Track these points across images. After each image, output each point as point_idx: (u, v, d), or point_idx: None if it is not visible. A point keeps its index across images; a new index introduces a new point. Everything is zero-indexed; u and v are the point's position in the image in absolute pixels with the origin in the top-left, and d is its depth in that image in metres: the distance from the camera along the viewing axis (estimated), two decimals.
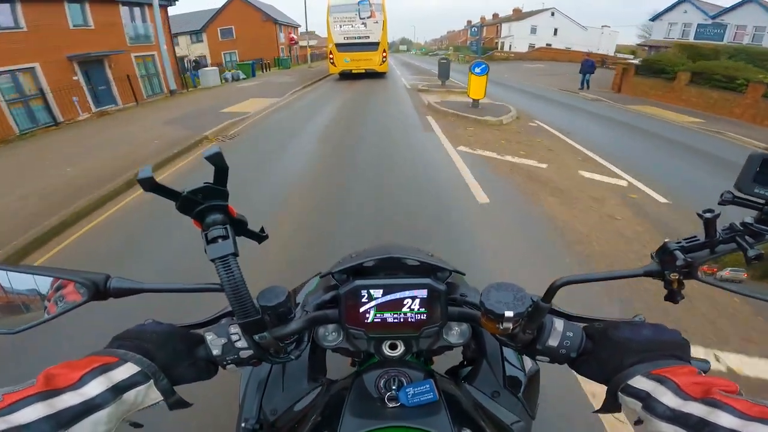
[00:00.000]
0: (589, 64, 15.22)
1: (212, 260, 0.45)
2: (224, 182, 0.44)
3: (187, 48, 34.00)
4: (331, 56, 17.31)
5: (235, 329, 0.52)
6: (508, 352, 0.76)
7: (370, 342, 0.63)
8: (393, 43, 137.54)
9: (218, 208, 0.46)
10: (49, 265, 0.51)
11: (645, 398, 0.41)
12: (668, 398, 0.39)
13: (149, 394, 0.45)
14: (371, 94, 12.42)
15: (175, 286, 0.53)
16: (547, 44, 43.33)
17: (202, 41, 37.85)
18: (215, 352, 0.52)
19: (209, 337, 0.52)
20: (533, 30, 46.34)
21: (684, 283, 0.49)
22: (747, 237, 0.44)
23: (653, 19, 30.22)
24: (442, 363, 0.86)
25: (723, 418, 0.34)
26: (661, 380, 0.41)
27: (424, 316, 0.58)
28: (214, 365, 0.54)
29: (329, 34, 17.08)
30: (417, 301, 0.57)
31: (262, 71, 27.03)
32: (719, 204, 0.46)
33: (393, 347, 0.64)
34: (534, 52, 40.59)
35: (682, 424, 0.37)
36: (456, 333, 0.65)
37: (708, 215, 0.45)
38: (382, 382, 0.59)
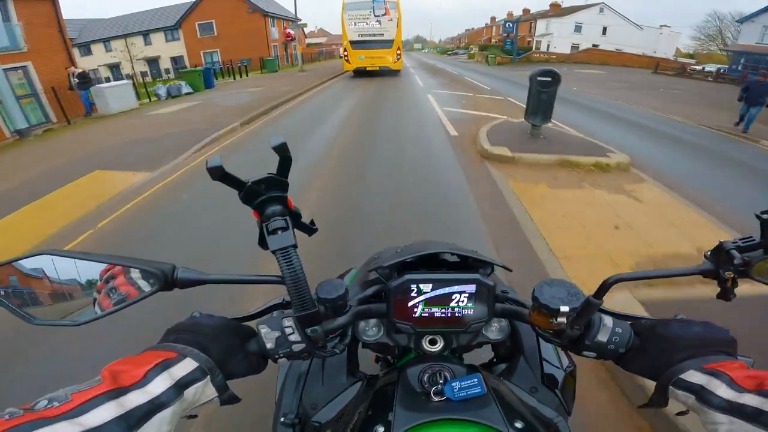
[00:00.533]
0: (764, 90, 7.91)
1: (273, 252, 0.45)
2: (287, 173, 0.44)
3: (127, 51, 27.57)
4: (345, 53, 17.16)
5: (288, 322, 0.51)
6: (545, 350, 0.74)
7: (412, 337, 0.64)
8: (407, 41, 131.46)
9: (278, 199, 0.46)
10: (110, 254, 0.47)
11: (699, 391, 0.43)
12: (723, 390, 0.41)
13: (206, 390, 0.44)
14: (370, 178, 4.82)
15: (238, 278, 0.53)
16: (593, 45, 36.73)
17: (178, 39, 31.18)
18: (269, 345, 0.51)
19: (263, 330, 0.51)
20: (577, 28, 38.67)
21: (738, 282, 0.51)
22: None
23: (742, 21, 26.44)
24: (470, 360, 0.75)
25: None
26: (714, 374, 0.43)
27: (471, 311, 0.58)
28: (263, 359, 0.53)
29: (344, 32, 16.78)
30: (465, 296, 0.57)
31: (235, 77, 20.23)
32: None
33: (432, 342, 0.65)
34: (580, 54, 33.42)
35: (737, 413, 0.39)
36: (496, 329, 0.66)
37: (765, 216, 0.46)
38: (426, 376, 0.57)
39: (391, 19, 16.51)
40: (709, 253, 0.53)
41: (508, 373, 0.71)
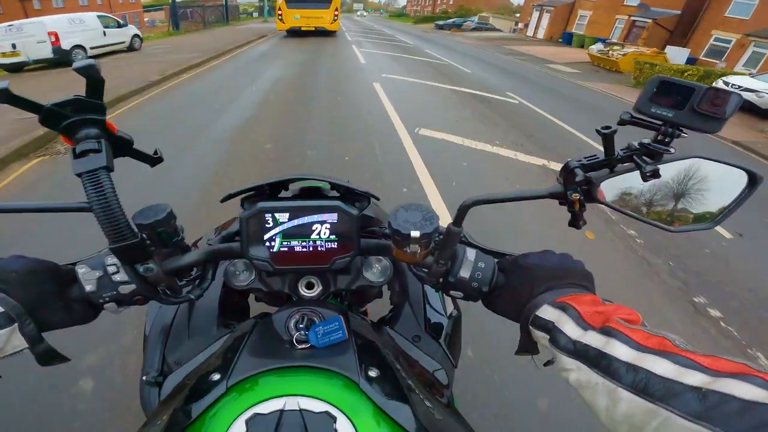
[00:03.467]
0: None
1: (78, 175, 0.39)
2: (100, 96, 0.39)
3: None
4: (279, 12, 16.27)
5: (112, 260, 0.45)
6: (432, 297, 0.73)
7: (285, 280, 0.60)
8: (343, 2, 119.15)
9: (93, 123, 0.40)
10: None
11: (551, 330, 0.39)
12: (570, 328, 0.37)
13: (11, 340, 0.39)
14: None
15: (31, 205, 0.44)
16: None
17: None
18: (88, 288, 0.45)
19: (81, 270, 0.45)
20: None
21: (585, 206, 0.49)
22: (645, 156, 0.44)
23: None
24: (377, 314, 0.80)
25: (618, 349, 0.32)
26: (564, 308, 0.39)
27: (334, 245, 0.53)
28: (91, 306, 0.47)
29: None
30: (327, 226, 0.52)
31: None
32: (618, 124, 0.45)
33: (310, 287, 0.61)
34: None
35: (582, 357, 0.35)
36: (377, 271, 0.62)
37: (605, 131, 0.44)
38: (292, 322, 0.53)
39: None
40: (558, 174, 0.50)
41: (394, 321, 0.69)
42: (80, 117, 0.39)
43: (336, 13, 16.62)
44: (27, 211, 0.44)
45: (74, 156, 0.39)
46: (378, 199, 0.59)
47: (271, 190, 0.56)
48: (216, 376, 0.43)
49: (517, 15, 41.23)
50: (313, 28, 16.35)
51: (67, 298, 0.45)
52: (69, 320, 0.46)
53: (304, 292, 0.61)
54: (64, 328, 0.46)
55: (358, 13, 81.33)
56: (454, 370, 0.66)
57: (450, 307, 0.74)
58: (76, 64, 0.36)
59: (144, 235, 0.44)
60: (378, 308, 0.94)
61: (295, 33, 16.76)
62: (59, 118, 0.39)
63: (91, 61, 0.37)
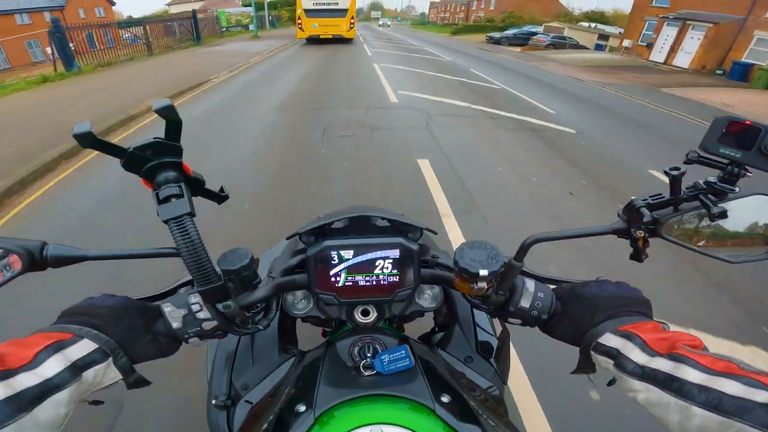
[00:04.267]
0: None
1: (165, 221, 0.41)
2: (177, 137, 0.40)
3: None
4: (299, 21, 17.30)
5: (195, 299, 0.48)
6: (479, 317, 0.73)
7: (342, 308, 0.62)
8: (360, 10, 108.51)
9: (171, 165, 0.42)
10: None
11: (616, 356, 0.41)
12: (636, 355, 0.39)
13: (108, 373, 0.42)
14: None
15: (124, 252, 0.48)
16: None
17: None
18: (175, 325, 0.48)
19: (167, 308, 0.48)
20: None
21: (649, 242, 0.49)
22: (710, 195, 0.45)
23: None
24: (413, 330, 0.80)
25: (689, 373, 0.35)
26: (629, 336, 0.41)
27: (396, 278, 0.56)
28: (175, 340, 0.50)
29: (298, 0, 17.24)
30: (389, 262, 0.54)
31: None
32: (685, 162, 0.46)
33: (365, 313, 0.63)
34: None
35: (651, 380, 0.37)
36: (429, 297, 0.64)
37: (674, 173, 0.45)
38: (356, 350, 0.55)
39: None
40: (620, 211, 0.51)
41: (445, 343, 0.70)
42: (160, 160, 0.40)
43: (352, 21, 17.38)
44: (118, 258, 0.47)
45: (158, 201, 0.41)
46: (435, 233, 0.60)
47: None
48: (301, 407, 0.45)
49: (582, 24, 32.80)
50: (331, 36, 17.05)
51: (153, 333, 0.47)
52: (156, 353, 0.48)
53: (360, 318, 0.62)
54: (151, 361, 0.48)
55: (380, 21, 62.24)
56: (504, 387, 0.67)
57: (498, 327, 0.75)
58: (155, 104, 0.36)
59: (229, 279, 0.46)
60: (414, 326, 0.92)
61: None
62: (141, 162, 0.40)
63: (169, 101, 0.37)
